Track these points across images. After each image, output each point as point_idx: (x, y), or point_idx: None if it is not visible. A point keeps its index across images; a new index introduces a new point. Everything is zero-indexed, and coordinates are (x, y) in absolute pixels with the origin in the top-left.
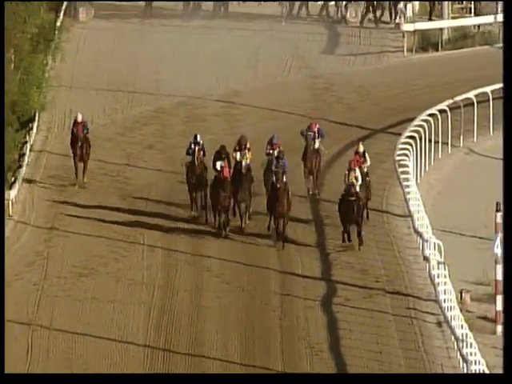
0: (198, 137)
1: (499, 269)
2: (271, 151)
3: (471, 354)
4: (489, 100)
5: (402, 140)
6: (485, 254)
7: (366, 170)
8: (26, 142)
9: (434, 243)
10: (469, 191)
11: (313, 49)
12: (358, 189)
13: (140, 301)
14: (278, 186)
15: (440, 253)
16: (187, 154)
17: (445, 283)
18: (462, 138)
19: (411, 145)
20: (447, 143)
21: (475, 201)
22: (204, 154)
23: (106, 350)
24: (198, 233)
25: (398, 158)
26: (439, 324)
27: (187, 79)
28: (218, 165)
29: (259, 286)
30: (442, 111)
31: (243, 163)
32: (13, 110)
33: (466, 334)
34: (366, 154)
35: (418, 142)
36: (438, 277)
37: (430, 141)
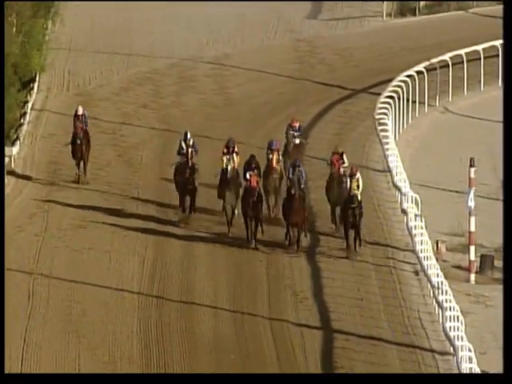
0: (189, 134)
1: (472, 221)
2: (270, 156)
3: (446, 301)
4: (463, 62)
5: (382, 99)
6: (459, 206)
7: (343, 171)
8: (27, 102)
9: (412, 197)
10: (444, 148)
11: (297, 14)
12: (359, 197)
13: (134, 251)
14: (293, 192)
15: (417, 206)
16: (178, 154)
17: (421, 234)
18: (437, 97)
19: (390, 104)
20: (424, 103)
21: (450, 157)
22: (196, 152)
23: (103, 297)
24: None
25: (377, 116)
26: (416, 273)
27: (179, 42)
28: (248, 175)
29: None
30: (419, 72)
31: (229, 168)
32: (14, 71)
33: (442, 282)
34: (344, 156)
35: (397, 101)
36: (415, 228)
37: (407, 100)
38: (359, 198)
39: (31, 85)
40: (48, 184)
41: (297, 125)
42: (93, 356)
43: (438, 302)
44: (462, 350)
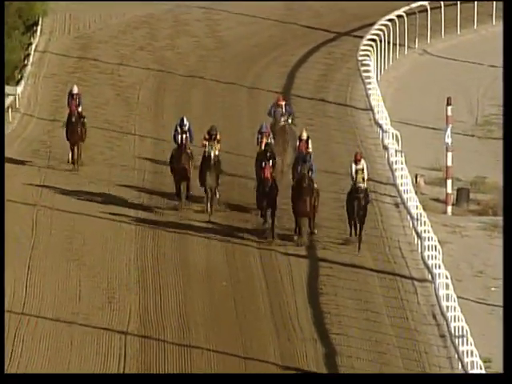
0: (185, 120)
1: (449, 156)
2: (261, 140)
3: (425, 232)
4: (441, 7)
5: (364, 42)
6: (437, 143)
7: (308, 156)
8: (30, 44)
9: (392, 133)
10: (423, 87)
11: None
12: (365, 185)
13: (132, 184)
14: (304, 185)
15: (397, 142)
16: (174, 138)
17: (401, 169)
18: (416, 40)
19: (372, 46)
20: (404, 45)
21: (429, 96)
22: (191, 139)
23: (102, 227)
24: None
25: (360, 58)
26: (396, 205)
27: None
28: (263, 164)
29: None
30: (399, 16)
31: (211, 154)
32: (19, 15)
33: (420, 214)
34: (309, 141)
35: (378, 44)
36: (396, 163)
37: (388, 43)
38: (365, 185)
39: (34, 28)
40: (50, 121)
41: (283, 103)
42: (93, 283)
43: (417, 232)
44: (439, 278)
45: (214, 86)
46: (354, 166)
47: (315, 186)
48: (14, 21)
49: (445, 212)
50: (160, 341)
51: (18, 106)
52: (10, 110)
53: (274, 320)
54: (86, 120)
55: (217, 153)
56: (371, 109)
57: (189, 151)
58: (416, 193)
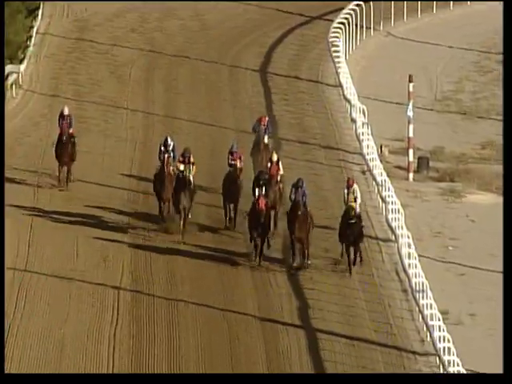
0: (169, 139)
1: (411, 128)
2: (233, 162)
3: (389, 196)
4: None
5: (334, 25)
6: (399, 116)
7: (279, 178)
8: (32, 26)
9: (360, 107)
10: (387, 66)
11: None
12: (358, 210)
13: (124, 154)
14: (299, 213)
15: (364, 115)
16: (159, 158)
17: (368, 139)
18: (381, 23)
19: (341, 29)
20: (370, 28)
21: (392, 74)
22: (174, 158)
23: (98, 192)
24: (172, 102)
25: (330, 39)
26: (363, 172)
27: None
28: (257, 192)
29: None
30: (366, 1)
31: (187, 176)
32: (22, 0)
33: (385, 180)
34: (280, 163)
35: (347, 26)
36: (363, 134)
37: (356, 26)
38: (357, 210)
39: (36, 12)
40: (50, 96)
41: (265, 121)
42: (89, 243)
43: (381, 197)
44: (402, 238)
45: (199, 65)
46: (346, 191)
47: (309, 210)
48: (18, 5)
49: (407, 179)
50: (150, 295)
51: (21, 82)
52: (13, 86)
53: (254, 278)
54: (76, 140)
55: (191, 178)
56: (340, 85)
57: (172, 172)
58: (381, 161)
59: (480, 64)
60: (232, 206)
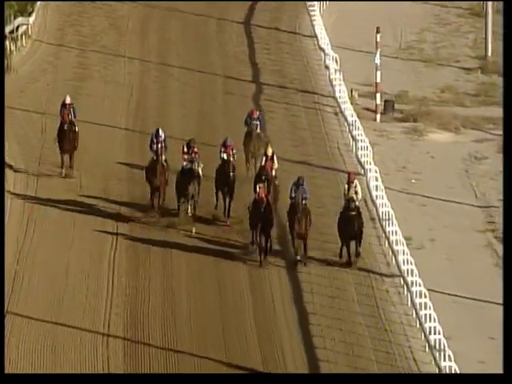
0: (160, 131)
1: (378, 74)
2: (225, 154)
3: (358, 135)
4: None
5: None
6: (368, 63)
7: (274, 172)
8: None
9: (332, 56)
10: (357, 19)
11: None
12: (357, 203)
13: (123, 97)
14: (298, 210)
15: (337, 63)
16: (150, 148)
17: (340, 84)
18: None
19: None
20: None
21: (362, 26)
22: (165, 148)
23: (98, 131)
24: (165, 50)
25: None
26: (336, 114)
27: None
28: (257, 187)
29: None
30: None
31: (195, 169)
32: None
33: (355, 121)
34: (275, 157)
35: None
36: (335, 80)
37: None
38: (357, 203)
39: None
40: (56, 45)
41: (256, 114)
42: (91, 177)
43: (352, 135)
44: (370, 172)
45: (189, 17)
46: (346, 186)
47: (308, 208)
48: None
49: (374, 119)
50: (145, 224)
51: (30, 33)
52: (23, 36)
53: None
54: (77, 129)
55: (200, 171)
56: (315, 36)
57: (164, 162)
58: (351, 104)
59: (440, 17)
60: (228, 199)
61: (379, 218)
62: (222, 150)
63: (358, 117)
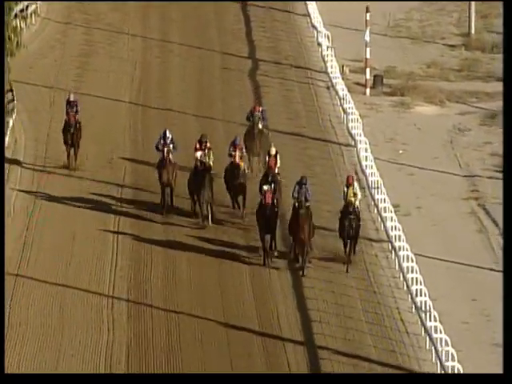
0: (167, 132)
1: (368, 51)
2: (233, 152)
3: (349, 108)
4: None
5: None
6: (359, 40)
7: (277, 171)
8: None
9: (325, 33)
10: None
11: None
12: (357, 204)
13: (126, 72)
14: (301, 212)
15: (328, 40)
16: (156, 149)
17: (331, 60)
18: None
19: None
20: None
21: (352, 5)
22: (175, 148)
23: (104, 104)
24: (166, 28)
25: None
26: (328, 88)
27: None
28: (264, 188)
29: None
30: None
31: (207, 162)
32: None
33: (346, 94)
34: (278, 156)
35: None
36: (327, 56)
37: None
38: (356, 204)
39: None
40: (64, 23)
41: (259, 110)
42: (97, 148)
43: (343, 108)
44: (360, 143)
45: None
46: (345, 189)
47: (310, 212)
48: None
49: (364, 93)
50: (148, 191)
51: (39, 11)
52: (33, 15)
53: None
54: (81, 125)
55: (211, 163)
56: (308, 15)
57: (172, 161)
58: (342, 79)
59: None
60: (240, 196)
61: (368, 187)
62: (231, 148)
63: (348, 91)
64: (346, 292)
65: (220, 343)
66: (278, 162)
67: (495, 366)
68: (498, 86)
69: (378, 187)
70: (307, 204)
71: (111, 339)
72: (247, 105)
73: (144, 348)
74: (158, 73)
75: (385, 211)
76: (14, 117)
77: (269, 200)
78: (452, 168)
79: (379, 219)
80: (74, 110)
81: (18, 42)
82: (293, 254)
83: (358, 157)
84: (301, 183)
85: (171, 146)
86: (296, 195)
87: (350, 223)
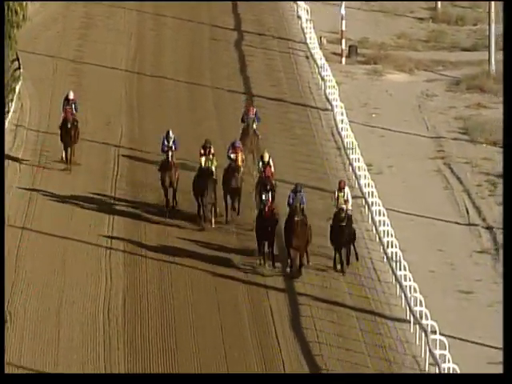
0: (171, 133)
1: (343, 23)
2: (232, 154)
3: (327, 76)
4: None
5: None
6: (335, 14)
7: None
8: None
9: (304, 7)
10: None
11: None
12: (349, 210)
13: (123, 42)
14: (296, 219)
15: (308, 13)
16: (162, 151)
17: (310, 32)
18: None
19: None
20: None
21: None
22: (176, 149)
23: (101, 72)
24: (160, 3)
25: None
26: (307, 57)
27: None
28: (264, 197)
29: None
30: None
31: (210, 168)
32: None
33: (324, 63)
34: (271, 162)
35: None
36: (306, 28)
37: None
38: (349, 211)
39: None
40: (64, 4)
41: (253, 112)
42: (95, 109)
43: (321, 76)
44: (336, 107)
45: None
46: (337, 193)
47: (306, 220)
48: None
49: (340, 62)
50: (143, 160)
51: None
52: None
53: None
54: (79, 124)
55: (213, 168)
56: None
57: (175, 164)
58: (320, 49)
59: None
60: (236, 198)
61: (344, 147)
62: (230, 150)
63: (326, 60)
64: (323, 243)
65: (208, 289)
66: (272, 168)
67: (460, 310)
68: (462, 56)
69: (352, 148)
70: (302, 209)
71: (109, 287)
72: (234, 74)
73: (139, 294)
74: (152, 44)
75: (359, 170)
76: (19, 84)
77: (268, 210)
78: (420, 130)
79: (354, 177)
80: (73, 107)
81: (23, 16)
82: (290, 261)
83: (335, 120)
84: (295, 191)
85: (173, 147)
86: (291, 202)
87: (341, 231)
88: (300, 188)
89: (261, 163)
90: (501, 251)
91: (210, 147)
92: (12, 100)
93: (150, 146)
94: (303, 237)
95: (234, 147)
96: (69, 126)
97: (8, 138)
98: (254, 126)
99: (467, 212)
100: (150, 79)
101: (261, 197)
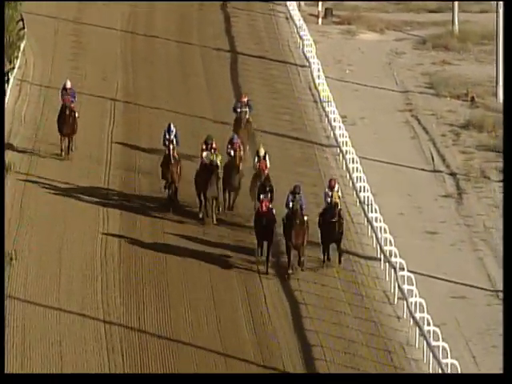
0: (171, 126)
1: (320, 4)
2: (231, 151)
3: (304, 35)
4: None
5: None
6: None
7: (267, 172)
8: None
9: None
10: None
11: None
12: (338, 208)
13: (118, 7)
14: (298, 221)
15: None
16: (163, 144)
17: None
18: None
19: None
20: None
21: None
22: (178, 143)
23: (100, 31)
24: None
25: None
26: (287, 18)
27: None
28: (262, 197)
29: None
30: None
31: (214, 162)
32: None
33: (302, 24)
34: (267, 157)
35: None
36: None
37: None
38: (338, 208)
39: None
40: None
41: (245, 99)
42: (93, 65)
43: (299, 35)
44: (313, 64)
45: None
46: (329, 192)
47: (305, 218)
48: None
49: (317, 23)
50: (137, 112)
51: None
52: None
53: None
54: (77, 114)
55: (218, 162)
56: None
57: (176, 158)
58: (299, 10)
59: None
60: (233, 194)
61: (320, 101)
62: (229, 146)
63: (304, 21)
64: (299, 179)
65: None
66: (268, 163)
67: (426, 249)
68: (428, 17)
69: (328, 101)
70: (302, 214)
71: (106, 229)
72: (219, 33)
73: (133, 237)
74: (146, 10)
75: (334, 121)
76: (24, 42)
77: (266, 209)
78: (390, 85)
79: (329, 128)
80: (70, 96)
81: None
82: (288, 260)
83: (312, 75)
84: (294, 192)
85: (175, 141)
86: (290, 204)
87: (332, 227)
88: (299, 190)
89: (256, 158)
90: (463, 195)
91: (212, 143)
92: (17, 57)
93: (143, 99)
94: (302, 238)
95: (232, 143)
96: (66, 113)
97: (13, 91)
98: (247, 115)
99: (432, 159)
100: (142, 38)
101: (259, 197)
